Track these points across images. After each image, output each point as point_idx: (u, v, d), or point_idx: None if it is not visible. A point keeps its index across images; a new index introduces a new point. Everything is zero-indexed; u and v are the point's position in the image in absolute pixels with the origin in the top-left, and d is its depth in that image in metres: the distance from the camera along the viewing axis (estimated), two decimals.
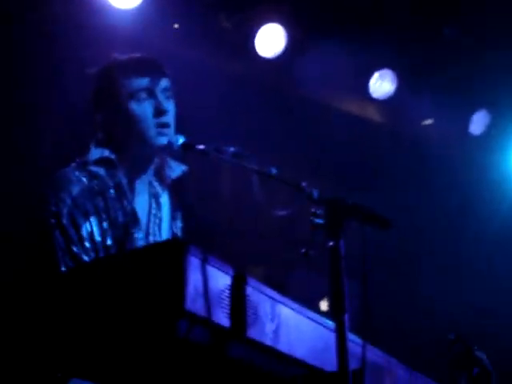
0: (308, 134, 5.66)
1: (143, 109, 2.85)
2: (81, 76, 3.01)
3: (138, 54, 2.98)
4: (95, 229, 2.73)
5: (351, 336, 2.30)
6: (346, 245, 2.28)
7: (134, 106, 2.85)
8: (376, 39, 5.47)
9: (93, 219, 2.73)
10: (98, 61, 2.99)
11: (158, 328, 1.99)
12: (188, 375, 2.18)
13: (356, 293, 2.26)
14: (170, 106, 2.91)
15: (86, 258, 2.67)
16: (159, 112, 2.86)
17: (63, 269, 2.63)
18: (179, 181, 3.05)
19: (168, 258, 2.00)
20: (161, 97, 2.88)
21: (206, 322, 2.01)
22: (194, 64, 4.89)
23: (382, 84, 5.83)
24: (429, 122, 6.22)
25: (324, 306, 5.34)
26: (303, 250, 2.29)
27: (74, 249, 2.67)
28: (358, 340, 2.36)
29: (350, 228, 2.29)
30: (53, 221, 2.69)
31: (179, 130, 2.92)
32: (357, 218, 2.27)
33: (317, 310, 2.50)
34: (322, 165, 5.21)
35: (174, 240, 2.69)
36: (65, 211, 2.69)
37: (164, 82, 2.91)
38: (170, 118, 2.89)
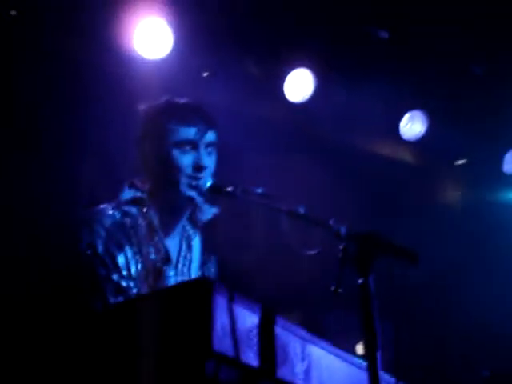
0: (338, 177, 5.64)
1: (184, 160, 2.89)
2: (110, 125, 3.04)
3: (188, 100, 3.00)
4: (130, 258, 2.80)
5: (384, 375, 2.25)
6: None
7: (176, 154, 2.90)
8: (404, 81, 5.48)
9: (127, 249, 2.81)
10: (128, 109, 3.02)
11: (187, 368, 1.97)
12: None
13: (390, 334, 2.22)
14: (209, 162, 2.93)
15: (124, 283, 2.75)
16: (198, 168, 2.89)
17: (110, 298, 2.70)
18: (212, 224, 3.07)
19: (195, 297, 1.99)
20: (203, 152, 2.91)
21: (235, 362, 1.99)
22: (223, 110, 4.91)
23: (412, 125, 5.81)
24: (462, 162, 6.16)
25: (360, 349, 5.26)
26: (333, 288, 2.27)
27: (114, 277, 2.75)
28: (392, 379, 2.31)
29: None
30: (89, 252, 2.77)
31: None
32: (386, 252, 2.24)
33: (353, 352, 2.45)
34: (352, 206, 5.17)
35: (200, 279, 2.68)
36: (99, 241, 2.78)
37: (210, 136, 2.94)
38: (206, 173, 2.90)
